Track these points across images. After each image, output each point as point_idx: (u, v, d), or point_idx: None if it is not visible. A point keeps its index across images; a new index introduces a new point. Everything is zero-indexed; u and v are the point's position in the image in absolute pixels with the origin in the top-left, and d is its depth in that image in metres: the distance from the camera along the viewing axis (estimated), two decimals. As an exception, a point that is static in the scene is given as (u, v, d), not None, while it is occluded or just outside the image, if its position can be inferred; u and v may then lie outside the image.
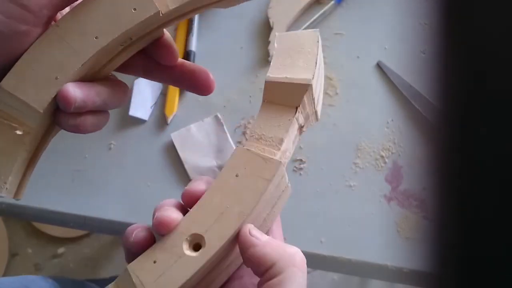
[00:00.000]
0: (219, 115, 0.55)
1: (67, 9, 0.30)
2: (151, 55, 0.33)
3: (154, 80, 0.36)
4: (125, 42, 0.30)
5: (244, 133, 0.55)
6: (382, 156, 0.53)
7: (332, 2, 0.58)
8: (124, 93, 0.33)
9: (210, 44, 0.59)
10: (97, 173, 0.55)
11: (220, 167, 0.53)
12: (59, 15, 0.31)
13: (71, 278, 0.76)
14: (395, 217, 0.51)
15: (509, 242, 0.13)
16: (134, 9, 0.29)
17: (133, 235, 0.29)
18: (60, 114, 0.29)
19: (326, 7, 0.57)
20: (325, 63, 0.57)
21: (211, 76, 0.34)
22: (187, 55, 0.58)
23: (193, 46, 0.58)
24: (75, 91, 0.28)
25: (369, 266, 0.50)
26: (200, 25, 0.59)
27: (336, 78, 0.56)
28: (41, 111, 0.28)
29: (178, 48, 0.33)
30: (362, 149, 0.53)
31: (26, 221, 1.23)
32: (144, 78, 0.35)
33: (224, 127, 0.55)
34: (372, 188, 0.52)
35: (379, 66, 0.55)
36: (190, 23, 0.59)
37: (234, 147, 0.54)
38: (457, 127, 0.14)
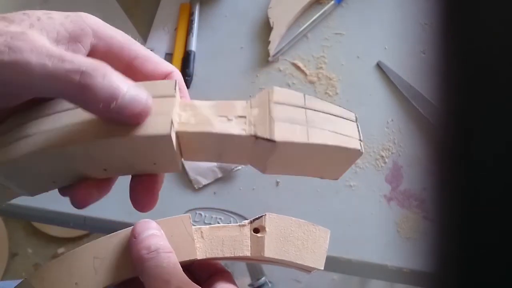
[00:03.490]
0: (219, 115, 0.55)
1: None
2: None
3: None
4: None
5: (244, 133, 0.55)
6: (382, 156, 0.53)
7: (332, 2, 0.58)
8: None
9: (210, 44, 0.59)
10: (97, 173, 0.55)
11: (220, 167, 0.53)
12: None
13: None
14: (395, 217, 0.51)
15: (509, 242, 0.13)
16: (154, 164, 0.26)
17: None
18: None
19: (326, 7, 0.57)
20: (325, 63, 0.57)
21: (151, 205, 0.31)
22: (187, 55, 0.57)
23: (193, 46, 0.58)
24: (82, 201, 0.29)
25: (369, 266, 0.50)
26: (200, 25, 0.59)
27: (336, 78, 0.56)
28: (32, 196, 0.29)
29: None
30: (362, 149, 0.53)
31: (26, 221, 1.23)
32: None
33: (224, 127, 0.55)
34: (372, 188, 0.52)
35: (379, 66, 0.55)
36: (190, 23, 0.59)
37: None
38: (457, 127, 0.14)
